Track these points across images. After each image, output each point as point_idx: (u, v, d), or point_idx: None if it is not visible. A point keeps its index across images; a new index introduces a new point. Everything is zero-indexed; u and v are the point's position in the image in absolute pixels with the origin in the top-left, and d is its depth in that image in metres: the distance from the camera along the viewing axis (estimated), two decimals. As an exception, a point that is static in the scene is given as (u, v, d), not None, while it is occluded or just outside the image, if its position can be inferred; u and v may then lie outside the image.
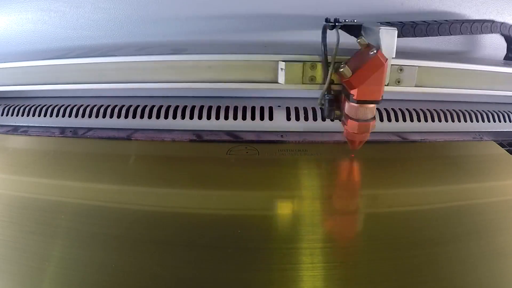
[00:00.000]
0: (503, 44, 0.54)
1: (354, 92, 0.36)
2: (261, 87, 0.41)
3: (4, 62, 0.48)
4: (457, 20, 0.48)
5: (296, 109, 0.52)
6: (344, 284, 0.28)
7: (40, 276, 0.28)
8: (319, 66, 0.40)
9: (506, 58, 0.55)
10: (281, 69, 0.40)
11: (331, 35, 0.39)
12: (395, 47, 0.36)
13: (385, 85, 0.38)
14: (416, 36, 0.44)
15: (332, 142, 0.48)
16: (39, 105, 0.56)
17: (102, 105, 0.54)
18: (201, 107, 0.52)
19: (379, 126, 0.51)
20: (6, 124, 0.55)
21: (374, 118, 0.38)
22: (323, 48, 0.38)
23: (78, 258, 0.30)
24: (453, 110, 0.54)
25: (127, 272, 0.29)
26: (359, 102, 0.36)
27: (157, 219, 0.35)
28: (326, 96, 0.39)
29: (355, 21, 0.41)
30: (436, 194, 0.39)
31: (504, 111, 0.56)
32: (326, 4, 0.51)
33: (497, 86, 0.45)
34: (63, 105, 0.55)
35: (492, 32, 0.51)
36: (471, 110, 0.55)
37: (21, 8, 0.54)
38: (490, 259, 0.30)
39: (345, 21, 0.40)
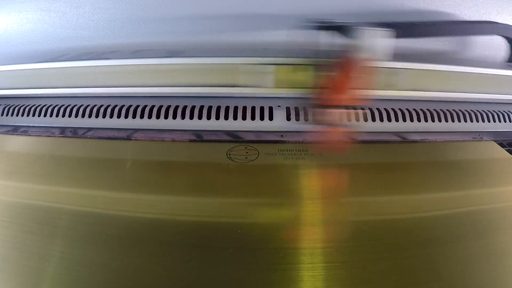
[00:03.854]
0: (503, 45, 0.54)
1: (337, 96, 0.35)
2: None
3: (3, 65, 0.48)
4: (458, 21, 0.48)
5: (296, 109, 0.52)
6: (344, 284, 0.28)
7: (40, 276, 0.28)
8: (308, 69, 0.39)
9: (510, 60, 0.54)
10: (270, 72, 0.39)
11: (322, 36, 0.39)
12: (385, 49, 0.35)
13: (377, 89, 0.37)
14: (415, 37, 0.44)
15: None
16: (39, 105, 0.56)
17: (102, 105, 0.54)
18: (201, 107, 0.52)
19: (379, 126, 0.51)
20: (6, 124, 0.55)
21: (351, 124, 0.37)
22: (311, 51, 0.37)
23: (78, 258, 0.30)
24: (453, 110, 0.54)
25: (127, 272, 0.29)
26: (338, 107, 0.36)
27: (157, 219, 0.35)
28: (311, 99, 0.38)
29: (347, 22, 0.40)
30: (435, 195, 0.39)
31: (504, 111, 0.56)
32: (321, 4, 0.51)
33: (497, 89, 0.45)
34: (63, 105, 0.55)
35: (493, 34, 0.50)
36: (471, 110, 0.55)
37: (21, 8, 0.54)
38: (490, 259, 0.30)
39: (336, 22, 0.40)
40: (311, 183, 0.41)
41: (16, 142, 0.50)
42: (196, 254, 0.31)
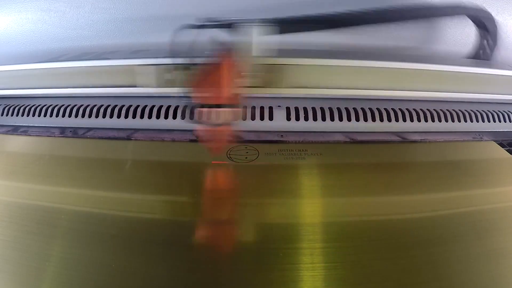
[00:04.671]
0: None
1: (197, 94, 0.35)
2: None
3: (2, 65, 0.48)
4: (425, 5, 0.46)
5: (296, 109, 0.52)
6: (344, 284, 0.28)
7: (40, 276, 0.28)
8: (182, 68, 0.39)
9: (481, 47, 0.53)
10: (137, 73, 0.39)
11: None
12: (255, 45, 0.35)
13: (253, 87, 0.36)
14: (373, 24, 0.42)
15: (333, 142, 0.48)
16: (39, 105, 0.56)
17: (102, 105, 0.54)
18: (201, 107, 0.52)
19: (379, 126, 0.51)
20: (6, 124, 0.55)
21: (228, 124, 0.36)
22: (173, 51, 0.36)
23: (78, 258, 0.30)
24: (453, 110, 0.54)
25: (127, 272, 0.29)
26: (203, 106, 0.35)
27: (157, 219, 0.35)
28: (186, 99, 0.37)
29: (235, 19, 0.38)
30: (435, 195, 0.39)
31: (504, 111, 0.56)
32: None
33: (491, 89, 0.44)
34: (63, 105, 0.55)
35: (462, 14, 0.48)
36: (471, 110, 0.55)
37: (21, 8, 0.54)
38: (490, 259, 0.30)
39: (226, 20, 0.38)
40: (311, 183, 0.41)
41: (16, 142, 0.50)
42: (195, 254, 0.31)
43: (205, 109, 0.36)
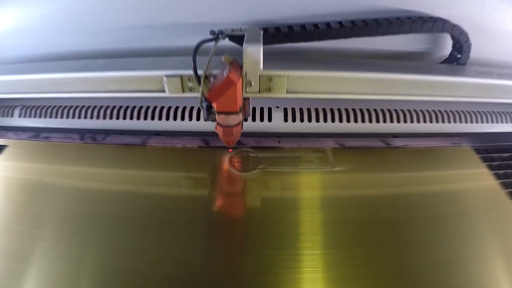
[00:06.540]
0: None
1: (214, 105, 0.41)
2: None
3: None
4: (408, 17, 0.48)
5: (293, 110, 0.55)
6: (344, 283, 0.31)
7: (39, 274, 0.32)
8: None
9: (451, 57, 0.54)
10: (165, 82, 0.45)
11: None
12: (261, 62, 0.40)
13: (257, 93, 0.43)
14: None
15: (330, 148, 0.50)
16: (55, 106, 0.59)
17: (114, 106, 0.57)
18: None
19: (365, 127, 0.55)
20: (24, 125, 0.58)
21: (239, 123, 0.43)
22: (192, 65, 0.41)
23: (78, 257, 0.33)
24: (432, 110, 0.57)
25: (126, 271, 0.32)
26: (219, 113, 0.41)
27: (157, 219, 0.38)
28: (202, 103, 0.42)
29: (241, 29, 0.43)
30: (433, 196, 0.41)
31: (483, 111, 0.59)
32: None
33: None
34: (78, 106, 0.58)
35: (440, 32, 0.50)
36: (450, 110, 0.57)
37: (21, 8, 0.53)
38: (490, 258, 0.33)
39: (232, 30, 0.42)
40: (308, 187, 0.44)
41: (35, 148, 0.53)
42: (197, 257, 0.33)
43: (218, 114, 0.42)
